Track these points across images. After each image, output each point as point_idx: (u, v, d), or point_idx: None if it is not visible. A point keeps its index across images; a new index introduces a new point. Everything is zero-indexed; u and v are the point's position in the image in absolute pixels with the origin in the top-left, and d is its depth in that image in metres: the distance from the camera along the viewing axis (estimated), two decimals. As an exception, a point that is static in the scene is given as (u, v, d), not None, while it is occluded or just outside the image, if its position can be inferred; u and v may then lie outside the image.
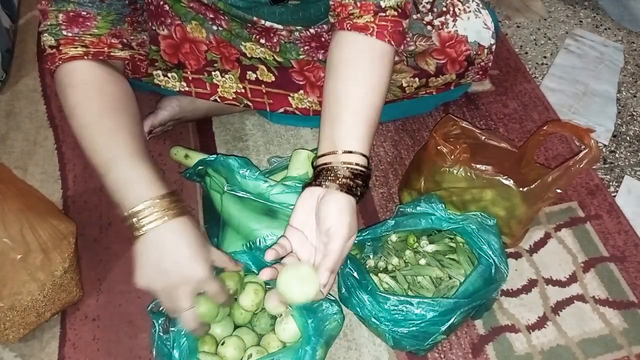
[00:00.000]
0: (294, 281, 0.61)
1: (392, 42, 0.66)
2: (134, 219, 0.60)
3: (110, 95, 0.65)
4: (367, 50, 0.65)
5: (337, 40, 0.67)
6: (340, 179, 0.61)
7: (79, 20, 0.64)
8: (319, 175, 0.63)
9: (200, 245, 0.62)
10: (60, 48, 0.64)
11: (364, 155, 0.63)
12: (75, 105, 0.64)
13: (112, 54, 0.67)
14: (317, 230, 0.62)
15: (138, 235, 0.60)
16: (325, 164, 0.63)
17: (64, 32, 0.64)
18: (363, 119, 0.64)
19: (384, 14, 0.65)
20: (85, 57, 0.65)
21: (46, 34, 0.65)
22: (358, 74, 0.65)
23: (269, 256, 0.61)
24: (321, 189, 0.62)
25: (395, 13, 0.65)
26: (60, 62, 0.64)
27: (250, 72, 0.90)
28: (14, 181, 0.77)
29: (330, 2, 0.68)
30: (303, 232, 0.63)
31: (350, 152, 0.62)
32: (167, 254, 0.60)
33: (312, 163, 0.67)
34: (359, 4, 0.65)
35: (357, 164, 0.62)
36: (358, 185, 0.62)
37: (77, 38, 0.65)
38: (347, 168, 0.61)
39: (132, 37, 0.70)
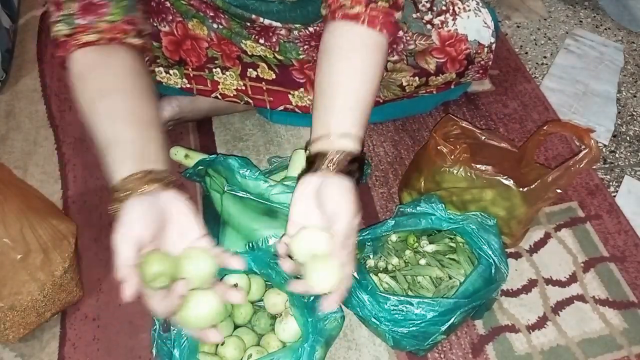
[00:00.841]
0: (320, 270, 0.58)
1: (384, 31, 0.65)
2: (130, 184, 0.56)
3: (122, 75, 0.65)
4: (360, 39, 0.65)
5: (329, 30, 0.67)
6: (337, 164, 0.60)
7: (93, 8, 0.65)
8: (314, 162, 0.61)
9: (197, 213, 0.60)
10: (75, 35, 0.65)
11: (359, 141, 0.62)
12: (88, 88, 0.64)
13: (126, 40, 0.67)
14: (321, 216, 0.59)
15: (127, 197, 0.56)
16: (321, 150, 0.61)
17: (78, 21, 0.64)
18: (358, 106, 0.63)
19: (375, 5, 0.65)
20: (100, 42, 0.65)
21: (60, 24, 0.65)
22: (352, 62, 0.64)
23: (283, 249, 0.59)
24: (318, 176, 0.60)
25: (387, 5, 0.65)
26: (75, 49, 0.64)
27: (251, 70, 0.90)
28: (14, 181, 0.77)
29: None
30: (305, 225, 0.60)
31: (346, 136, 0.61)
32: (162, 211, 0.56)
33: (306, 149, 0.65)
34: None
35: (352, 149, 0.61)
36: (354, 169, 0.61)
37: (91, 26, 0.65)
38: (343, 153, 0.60)
39: (144, 27, 0.70)
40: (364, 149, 0.63)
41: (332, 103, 0.63)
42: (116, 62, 0.65)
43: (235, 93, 0.91)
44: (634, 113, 1.10)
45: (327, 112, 0.63)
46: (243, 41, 0.87)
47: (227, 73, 0.90)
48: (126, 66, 0.66)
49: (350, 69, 0.64)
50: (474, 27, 0.86)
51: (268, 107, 0.93)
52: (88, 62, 0.65)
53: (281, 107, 0.92)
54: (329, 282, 0.56)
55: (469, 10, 0.86)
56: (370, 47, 0.65)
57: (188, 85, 0.89)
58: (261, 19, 0.81)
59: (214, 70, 0.89)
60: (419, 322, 0.66)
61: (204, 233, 0.59)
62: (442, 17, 0.86)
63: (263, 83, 0.91)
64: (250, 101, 0.92)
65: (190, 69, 0.89)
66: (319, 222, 0.59)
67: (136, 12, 0.68)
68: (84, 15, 0.64)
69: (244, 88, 0.91)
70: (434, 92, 0.95)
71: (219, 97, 0.91)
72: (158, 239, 0.56)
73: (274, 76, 0.90)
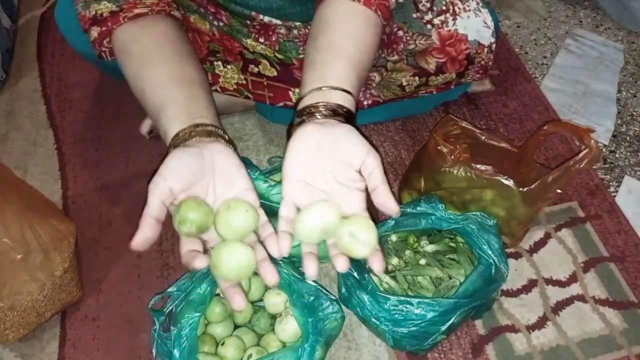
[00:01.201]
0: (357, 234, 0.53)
1: (379, 13, 0.65)
2: (178, 139, 0.56)
3: (163, 43, 0.67)
4: (358, 13, 0.65)
5: (325, 4, 0.66)
6: (339, 116, 0.57)
7: None
8: (312, 113, 0.57)
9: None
10: (124, 10, 0.66)
11: (355, 102, 0.60)
12: (133, 59, 0.66)
13: (171, 12, 0.70)
14: (343, 168, 0.54)
15: (177, 145, 0.56)
16: (317, 101, 0.57)
17: None
18: (356, 72, 0.61)
19: None
20: (150, 13, 0.67)
21: (104, 2, 0.67)
22: (352, 30, 0.64)
23: (285, 247, 0.53)
24: (320, 126, 0.55)
25: None
26: (125, 20, 0.66)
27: (252, 66, 0.90)
28: (14, 181, 0.77)
29: None
30: (307, 181, 0.55)
31: (343, 92, 0.58)
32: (205, 162, 0.54)
33: (295, 106, 0.61)
34: None
35: (349, 106, 0.58)
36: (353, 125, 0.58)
37: (138, 1, 0.67)
38: (342, 108, 0.57)
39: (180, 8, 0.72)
40: (356, 113, 0.61)
41: (334, 63, 0.61)
42: (157, 32, 0.67)
43: (235, 87, 0.91)
44: (634, 113, 1.10)
45: (328, 67, 0.60)
46: (244, 39, 0.87)
47: (229, 67, 0.90)
48: (167, 34, 0.68)
49: (351, 36, 0.63)
50: (474, 27, 0.86)
51: (268, 103, 0.93)
52: (129, 37, 0.67)
53: (281, 104, 0.92)
54: (373, 240, 0.53)
55: (469, 10, 0.86)
56: (368, 23, 0.65)
57: None
58: (261, 17, 0.81)
59: (215, 63, 0.89)
60: (419, 322, 0.66)
61: (250, 186, 0.57)
62: (442, 17, 0.86)
63: (264, 79, 0.91)
64: (250, 96, 0.92)
65: None
66: (319, 182, 0.55)
67: None
68: None
69: (244, 82, 0.91)
70: (434, 92, 0.95)
71: (219, 90, 0.91)
72: (195, 188, 0.54)
73: (275, 73, 0.90)
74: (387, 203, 0.53)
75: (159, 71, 0.64)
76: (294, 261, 0.72)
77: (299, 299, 0.66)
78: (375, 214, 0.58)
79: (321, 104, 0.57)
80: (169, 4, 0.70)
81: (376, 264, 0.53)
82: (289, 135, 0.57)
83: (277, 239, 0.54)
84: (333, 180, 0.55)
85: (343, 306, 0.72)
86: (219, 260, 0.53)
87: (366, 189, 0.55)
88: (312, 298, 0.67)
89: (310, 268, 0.53)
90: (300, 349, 0.63)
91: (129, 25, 0.67)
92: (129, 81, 0.67)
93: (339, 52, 0.62)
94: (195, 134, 0.57)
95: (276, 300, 0.72)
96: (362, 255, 0.52)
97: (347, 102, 0.58)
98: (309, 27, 0.85)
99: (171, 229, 0.54)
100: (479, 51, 0.87)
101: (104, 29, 0.67)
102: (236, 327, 0.73)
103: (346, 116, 0.57)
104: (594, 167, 0.99)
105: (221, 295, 0.71)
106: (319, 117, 0.56)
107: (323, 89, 0.58)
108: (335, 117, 0.57)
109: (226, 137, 0.60)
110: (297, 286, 0.67)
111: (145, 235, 0.50)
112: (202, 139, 0.57)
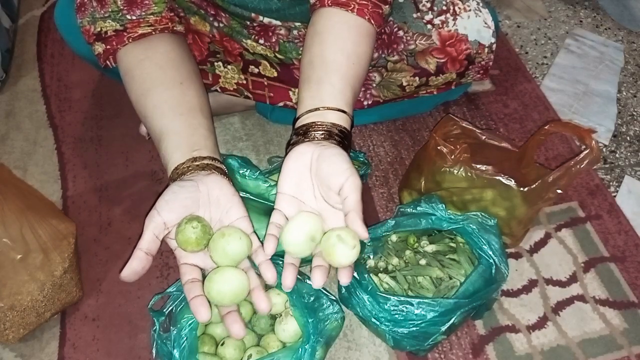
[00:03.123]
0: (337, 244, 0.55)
1: (372, 21, 0.66)
2: (177, 173, 0.60)
3: (165, 67, 0.69)
4: (351, 25, 0.66)
5: (319, 14, 0.67)
6: (333, 137, 0.59)
7: (137, 1, 0.68)
8: (307, 133, 0.59)
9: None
10: (128, 30, 0.68)
11: (349, 120, 0.62)
12: (135, 84, 0.68)
13: (175, 28, 0.71)
14: (324, 189, 0.57)
15: (175, 179, 0.60)
16: (313, 121, 0.60)
17: (129, 17, 0.68)
18: (350, 86, 0.63)
19: None
20: (154, 33, 0.69)
21: (109, 20, 0.68)
22: (346, 44, 0.65)
23: (270, 248, 0.55)
24: (314, 147, 0.57)
25: None
26: (130, 41, 0.68)
27: (252, 67, 0.90)
28: (14, 181, 0.77)
29: None
30: (298, 198, 0.58)
31: (338, 111, 0.60)
32: (200, 194, 0.58)
33: (293, 124, 0.63)
34: None
35: (345, 125, 0.60)
36: (347, 146, 0.60)
37: (142, 20, 0.68)
38: (337, 127, 0.59)
39: (179, 10, 0.73)
40: (351, 130, 0.63)
41: (328, 80, 0.63)
42: (160, 55, 0.69)
43: (235, 87, 0.91)
44: (634, 113, 1.10)
45: (322, 86, 0.62)
46: (244, 40, 0.87)
47: (229, 67, 0.90)
48: (170, 56, 0.70)
49: (344, 50, 0.64)
50: (475, 27, 0.86)
51: (268, 102, 0.93)
52: (132, 60, 0.69)
53: (281, 104, 0.92)
54: (358, 247, 0.55)
55: (470, 10, 0.86)
56: (361, 34, 0.66)
57: None
58: (261, 18, 0.81)
59: (215, 64, 0.90)
60: (419, 322, 0.66)
61: (244, 214, 0.60)
62: (442, 17, 0.86)
63: (264, 79, 0.91)
64: (250, 96, 0.92)
65: None
66: (311, 201, 0.58)
67: None
68: (130, 10, 0.68)
69: (245, 82, 0.91)
70: (435, 92, 0.95)
71: (219, 90, 0.91)
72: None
73: (275, 74, 0.90)
74: (355, 228, 0.55)
75: (162, 98, 0.67)
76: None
77: (299, 299, 0.66)
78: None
79: (316, 123, 0.59)
80: (172, 18, 0.71)
81: (345, 277, 0.55)
82: (286, 153, 0.60)
83: (270, 265, 0.56)
84: (322, 199, 0.58)
85: (343, 306, 0.72)
86: (212, 288, 0.55)
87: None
88: (312, 298, 0.67)
89: (288, 279, 0.55)
90: (300, 350, 0.63)
91: (132, 46, 0.68)
92: (132, 103, 0.70)
93: (332, 68, 0.63)
94: (192, 169, 0.60)
95: (276, 301, 0.71)
96: (346, 259, 0.55)
97: (342, 120, 0.61)
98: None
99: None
100: (480, 51, 0.87)
101: (108, 47, 0.69)
102: (236, 327, 0.73)
103: (341, 135, 0.60)
104: (594, 167, 0.99)
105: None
106: (314, 137, 0.59)
107: (320, 109, 0.60)
108: (330, 139, 0.59)
109: (222, 167, 0.63)
110: (297, 286, 0.67)
111: (133, 267, 0.54)
112: (198, 172, 0.60)
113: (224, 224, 0.59)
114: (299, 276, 0.68)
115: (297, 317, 0.66)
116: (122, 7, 0.68)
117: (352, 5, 0.65)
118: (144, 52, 0.69)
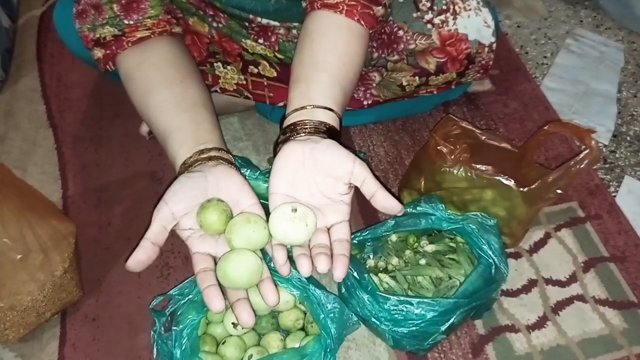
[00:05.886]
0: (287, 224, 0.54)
1: (362, 22, 0.66)
2: (184, 167, 0.60)
3: (164, 67, 0.69)
4: (341, 26, 0.66)
5: (309, 17, 0.68)
6: (322, 134, 0.58)
7: (134, 6, 0.68)
8: (296, 130, 0.59)
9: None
10: (126, 35, 0.69)
11: (339, 120, 0.61)
12: (136, 86, 0.68)
13: (173, 30, 0.72)
14: (330, 181, 0.56)
15: (183, 172, 0.60)
16: (302, 120, 0.59)
17: (126, 22, 0.68)
18: (340, 86, 0.63)
19: None
20: (152, 36, 0.69)
21: (107, 26, 0.69)
22: (336, 45, 0.65)
23: (281, 259, 0.54)
24: (304, 143, 0.57)
25: None
26: (129, 45, 0.69)
27: (252, 67, 0.90)
28: (13, 181, 0.77)
29: None
30: (292, 196, 0.57)
31: (327, 110, 0.60)
32: (208, 185, 0.57)
33: (281, 123, 0.63)
34: None
35: (334, 124, 0.60)
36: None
37: (139, 24, 0.69)
38: (325, 125, 0.59)
39: (177, 11, 0.73)
40: (341, 130, 0.62)
41: (318, 78, 0.63)
42: (159, 56, 0.70)
43: (235, 87, 0.91)
44: (634, 113, 1.10)
45: (311, 85, 0.62)
46: (243, 40, 0.87)
47: (229, 67, 0.90)
48: (169, 57, 0.70)
49: (335, 51, 0.65)
50: (475, 26, 0.86)
51: (267, 103, 0.93)
52: (132, 63, 0.69)
53: (281, 103, 0.92)
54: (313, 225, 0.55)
55: (470, 9, 0.86)
56: (352, 35, 0.66)
57: None
58: (259, 19, 0.81)
59: (215, 64, 0.90)
60: (419, 322, 0.66)
61: (256, 201, 0.59)
62: (442, 17, 0.86)
63: (264, 79, 0.91)
64: (250, 96, 0.92)
65: None
66: (306, 198, 0.57)
67: None
68: (127, 15, 0.68)
69: (244, 82, 0.91)
70: (435, 92, 0.94)
71: (219, 91, 0.92)
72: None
73: (275, 74, 0.90)
74: (388, 204, 0.54)
75: (163, 97, 0.67)
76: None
77: (321, 307, 0.66)
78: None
79: (304, 121, 0.59)
80: (169, 21, 0.71)
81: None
82: (275, 153, 0.60)
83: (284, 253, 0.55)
84: (319, 194, 0.57)
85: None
86: (228, 267, 0.54)
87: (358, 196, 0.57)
88: (336, 307, 0.67)
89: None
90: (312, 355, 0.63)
91: (131, 50, 0.69)
92: (135, 106, 0.70)
93: (322, 67, 0.63)
94: (200, 161, 0.60)
95: (282, 297, 0.71)
96: (301, 235, 0.53)
97: (329, 119, 0.60)
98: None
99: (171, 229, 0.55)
100: (480, 51, 0.87)
101: (108, 52, 0.70)
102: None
103: (329, 133, 0.59)
104: (594, 167, 0.99)
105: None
106: (302, 134, 0.58)
107: (307, 107, 0.60)
108: (318, 134, 0.58)
109: (230, 158, 0.63)
110: (314, 296, 0.67)
111: (138, 256, 0.53)
112: (206, 163, 0.60)
113: (235, 212, 0.58)
114: (319, 288, 0.68)
115: (322, 325, 0.66)
116: (119, 13, 0.68)
117: (341, 7, 0.65)
118: (143, 54, 0.69)
